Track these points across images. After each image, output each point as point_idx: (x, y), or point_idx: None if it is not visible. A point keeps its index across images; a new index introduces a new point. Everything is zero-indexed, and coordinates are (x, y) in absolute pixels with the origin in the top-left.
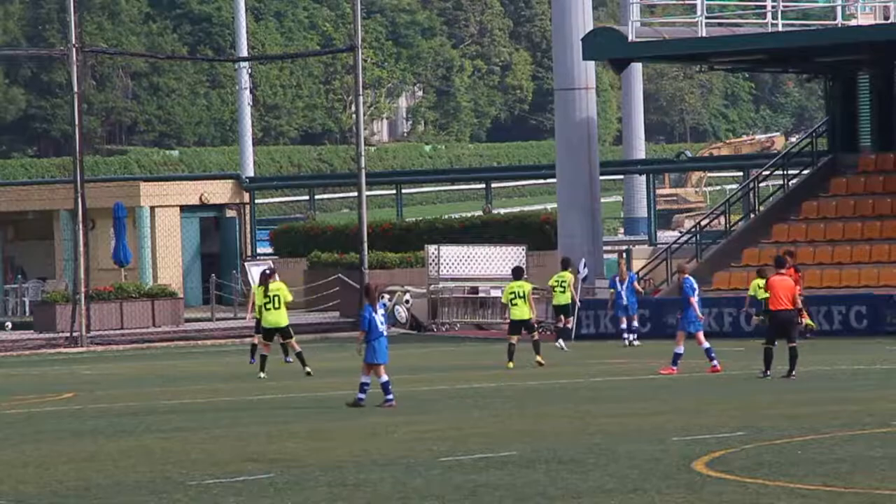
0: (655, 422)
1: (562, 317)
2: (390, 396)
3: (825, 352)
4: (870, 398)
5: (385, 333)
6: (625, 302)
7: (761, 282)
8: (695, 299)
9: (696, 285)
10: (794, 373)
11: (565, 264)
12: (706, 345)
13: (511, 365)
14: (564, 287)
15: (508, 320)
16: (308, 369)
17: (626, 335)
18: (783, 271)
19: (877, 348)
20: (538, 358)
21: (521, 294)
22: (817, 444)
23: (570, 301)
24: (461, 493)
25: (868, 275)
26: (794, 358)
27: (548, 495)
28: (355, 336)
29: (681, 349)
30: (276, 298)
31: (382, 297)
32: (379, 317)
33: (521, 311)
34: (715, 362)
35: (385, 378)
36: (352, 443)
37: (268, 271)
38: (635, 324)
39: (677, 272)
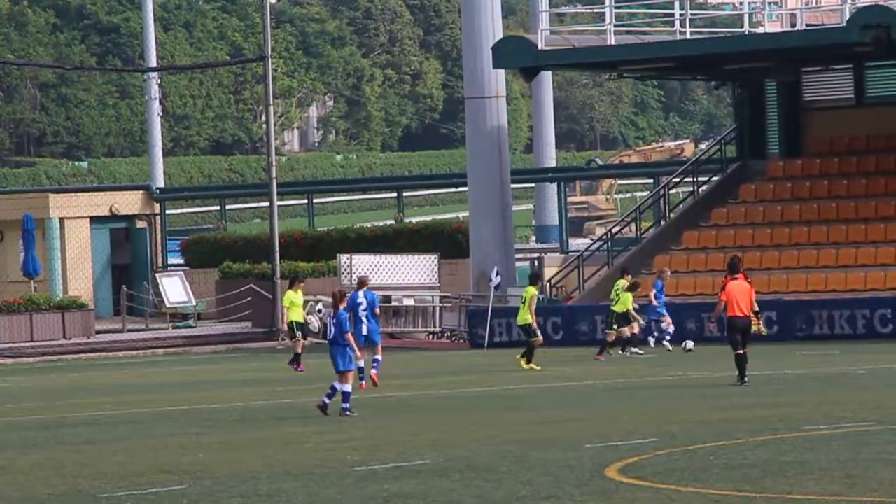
0: (568, 429)
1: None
2: (326, 400)
3: (727, 358)
4: (781, 403)
5: (339, 342)
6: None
7: (622, 282)
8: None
9: (359, 300)
10: (746, 379)
11: (623, 272)
12: (360, 363)
13: (533, 366)
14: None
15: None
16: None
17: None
18: (737, 276)
19: (787, 354)
20: (521, 362)
21: (522, 299)
22: (729, 450)
23: (626, 308)
24: (375, 503)
25: (778, 281)
26: (744, 364)
27: None
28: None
29: (360, 363)
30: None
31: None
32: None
33: (522, 316)
34: (373, 373)
35: (339, 385)
36: (265, 453)
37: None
38: (667, 327)
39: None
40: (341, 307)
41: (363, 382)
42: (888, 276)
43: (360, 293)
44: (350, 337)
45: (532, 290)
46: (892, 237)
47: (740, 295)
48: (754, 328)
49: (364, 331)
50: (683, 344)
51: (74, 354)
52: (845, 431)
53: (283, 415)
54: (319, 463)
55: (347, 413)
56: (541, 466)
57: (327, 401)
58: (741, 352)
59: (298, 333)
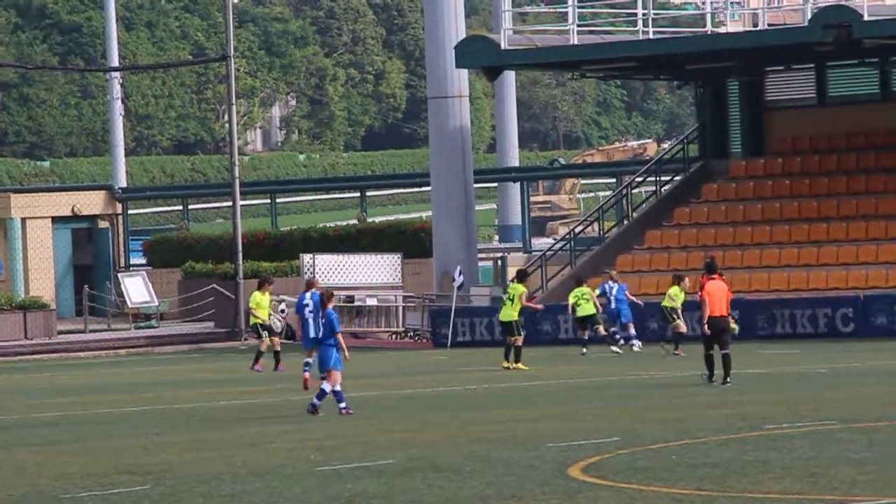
0: (531, 428)
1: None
2: (318, 402)
3: (698, 357)
4: (742, 402)
5: (327, 342)
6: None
7: (676, 289)
8: (301, 317)
9: (305, 301)
10: (728, 378)
11: (578, 281)
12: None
13: (506, 364)
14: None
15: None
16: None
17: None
18: (714, 276)
19: (749, 353)
20: (510, 364)
21: (510, 296)
22: (691, 449)
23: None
24: (338, 502)
25: (740, 280)
26: (729, 364)
27: (424, 503)
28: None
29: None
30: None
31: (281, 305)
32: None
33: (508, 313)
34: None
35: (336, 388)
36: (228, 454)
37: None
38: (631, 330)
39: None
40: (330, 306)
41: (307, 376)
42: (850, 275)
43: (308, 294)
44: (340, 336)
45: (522, 288)
46: (853, 236)
47: (719, 295)
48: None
49: (311, 332)
50: (631, 343)
51: (36, 355)
52: (807, 430)
53: (246, 415)
54: (282, 463)
55: (345, 412)
56: (504, 466)
57: (318, 402)
58: (713, 352)
59: (264, 334)
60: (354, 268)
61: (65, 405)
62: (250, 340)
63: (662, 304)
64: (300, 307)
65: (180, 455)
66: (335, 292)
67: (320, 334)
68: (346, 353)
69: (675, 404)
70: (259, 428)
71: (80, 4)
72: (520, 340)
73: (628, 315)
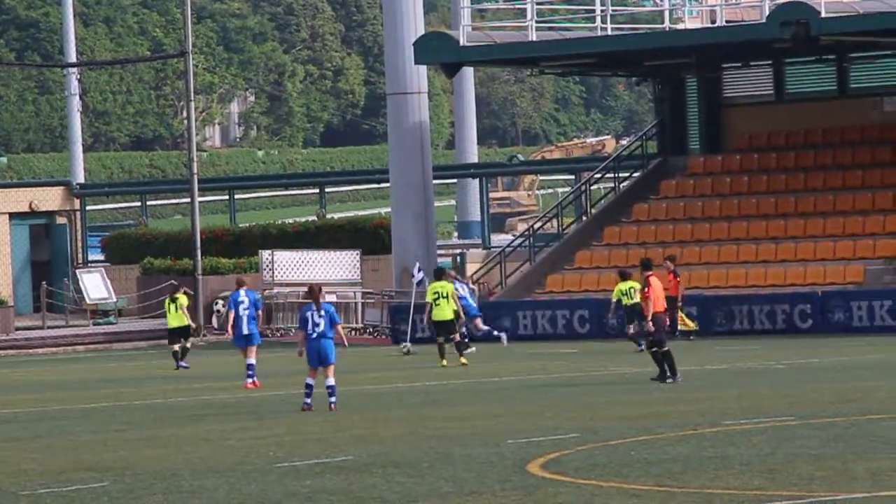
0: (490, 425)
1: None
2: (334, 399)
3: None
4: (700, 398)
5: (328, 335)
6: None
7: (624, 286)
8: (233, 312)
9: (240, 298)
10: (678, 376)
11: (439, 274)
12: (251, 360)
13: (444, 363)
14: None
15: (431, 321)
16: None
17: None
18: (651, 272)
19: (708, 349)
20: (444, 361)
21: (444, 294)
22: (650, 445)
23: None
24: (297, 499)
25: (698, 276)
26: (672, 360)
27: (384, 499)
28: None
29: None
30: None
31: (217, 303)
32: (317, 318)
33: (444, 312)
34: (249, 380)
35: (331, 381)
36: (187, 450)
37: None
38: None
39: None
40: (321, 301)
41: (251, 381)
42: (808, 271)
43: (242, 291)
44: (340, 329)
45: (449, 286)
46: (811, 232)
47: (661, 291)
48: (682, 326)
49: (245, 330)
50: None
51: None
52: (765, 426)
53: (204, 412)
54: (241, 459)
55: (335, 406)
56: (463, 462)
57: (309, 401)
58: (666, 349)
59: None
60: (313, 264)
61: (22, 402)
62: (209, 336)
63: (624, 302)
64: (235, 305)
65: (139, 451)
66: (296, 288)
67: (252, 331)
68: (346, 342)
69: (634, 400)
70: (217, 425)
71: (38, 0)
72: (458, 336)
73: (475, 310)
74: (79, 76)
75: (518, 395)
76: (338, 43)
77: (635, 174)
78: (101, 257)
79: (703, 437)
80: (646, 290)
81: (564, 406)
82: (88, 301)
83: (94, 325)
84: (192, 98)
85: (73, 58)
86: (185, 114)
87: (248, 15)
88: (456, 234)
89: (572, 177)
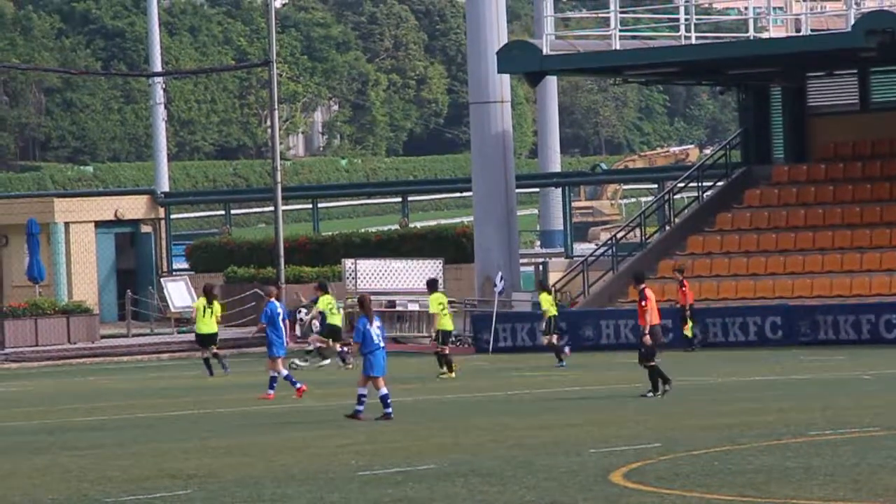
0: (572, 434)
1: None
2: (389, 409)
3: (740, 362)
4: (784, 408)
5: (382, 346)
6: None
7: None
8: (266, 325)
9: (278, 310)
10: (659, 392)
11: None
12: (283, 372)
13: (452, 375)
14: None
15: (437, 331)
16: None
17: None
18: (643, 285)
19: (791, 358)
20: (449, 374)
21: (444, 306)
22: (733, 455)
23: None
24: None
25: (782, 286)
26: (657, 375)
27: None
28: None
29: (273, 373)
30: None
31: (300, 311)
32: (374, 329)
33: (449, 322)
34: (271, 392)
35: (384, 391)
36: (270, 458)
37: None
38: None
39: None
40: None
41: (300, 386)
42: (893, 280)
43: (277, 304)
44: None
45: (444, 297)
46: None
47: (656, 303)
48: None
49: (285, 341)
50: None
51: (79, 359)
52: (851, 437)
53: (286, 419)
54: (323, 467)
55: (389, 417)
56: (545, 471)
57: (360, 408)
58: (654, 363)
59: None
60: (396, 273)
61: (107, 409)
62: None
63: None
64: (273, 316)
65: (222, 459)
66: (379, 297)
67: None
68: (353, 361)
69: (716, 410)
70: (299, 432)
71: (124, 10)
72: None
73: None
74: (164, 85)
75: (598, 404)
76: (421, 52)
77: (719, 183)
78: (186, 266)
79: (787, 447)
80: (643, 302)
81: (647, 415)
82: (173, 309)
83: (179, 332)
84: (276, 107)
85: (158, 67)
86: (268, 123)
87: (331, 24)
88: (538, 243)
89: (655, 186)
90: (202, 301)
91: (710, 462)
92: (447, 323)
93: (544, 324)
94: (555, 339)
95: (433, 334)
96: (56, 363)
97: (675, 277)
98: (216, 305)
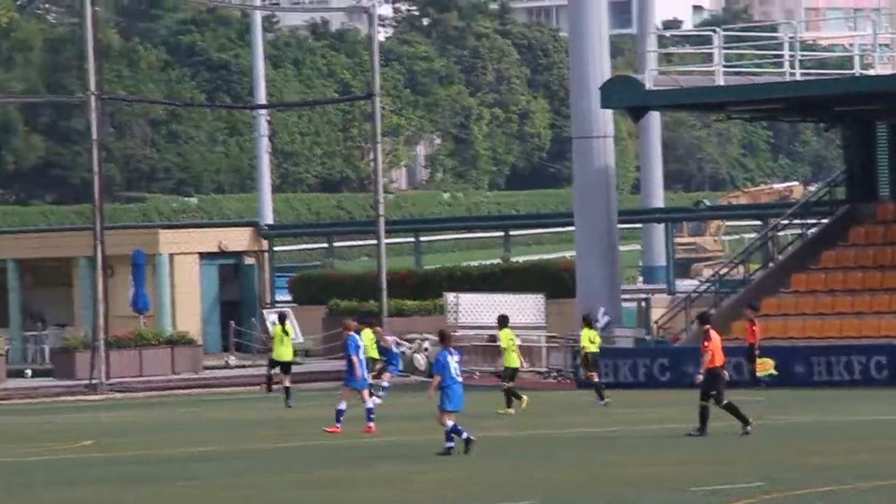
0: (674, 472)
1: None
2: (451, 444)
3: (845, 401)
4: (890, 448)
5: (460, 379)
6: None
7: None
8: (357, 358)
9: (360, 343)
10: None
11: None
12: (369, 404)
13: (511, 411)
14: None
15: (505, 367)
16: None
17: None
18: (708, 327)
19: (894, 398)
20: (508, 409)
21: (506, 345)
22: (837, 495)
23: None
24: None
25: (888, 325)
26: (706, 416)
27: None
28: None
29: (343, 406)
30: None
31: (401, 346)
32: (454, 362)
33: (517, 359)
34: (370, 423)
35: (453, 421)
36: (363, 492)
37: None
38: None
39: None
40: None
41: (370, 425)
42: None
43: (358, 337)
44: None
45: (513, 334)
46: None
47: (720, 344)
48: (768, 372)
49: (365, 373)
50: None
51: (183, 389)
52: None
53: (383, 453)
54: (420, 502)
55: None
56: None
57: (450, 444)
58: (708, 404)
59: (276, 369)
60: (498, 307)
61: (211, 440)
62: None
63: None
64: (356, 348)
65: (321, 492)
66: (480, 332)
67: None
68: (433, 394)
69: (818, 450)
70: (394, 467)
71: (229, 42)
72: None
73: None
74: (268, 117)
75: (700, 442)
76: (524, 86)
77: (823, 220)
78: (289, 298)
79: (892, 487)
80: (706, 343)
81: (748, 454)
82: None
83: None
84: (379, 140)
85: (262, 99)
86: (371, 156)
87: (434, 58)
88: (641, 278)
89: (759, 222)
90: (279, 328)
91: (813, 502)
92: (514, 360)
93: (580, 359)
94: (594, 376)
95: (500, 369)
96: (160, 393)
97: (746, 316)
98: (289, 327)
